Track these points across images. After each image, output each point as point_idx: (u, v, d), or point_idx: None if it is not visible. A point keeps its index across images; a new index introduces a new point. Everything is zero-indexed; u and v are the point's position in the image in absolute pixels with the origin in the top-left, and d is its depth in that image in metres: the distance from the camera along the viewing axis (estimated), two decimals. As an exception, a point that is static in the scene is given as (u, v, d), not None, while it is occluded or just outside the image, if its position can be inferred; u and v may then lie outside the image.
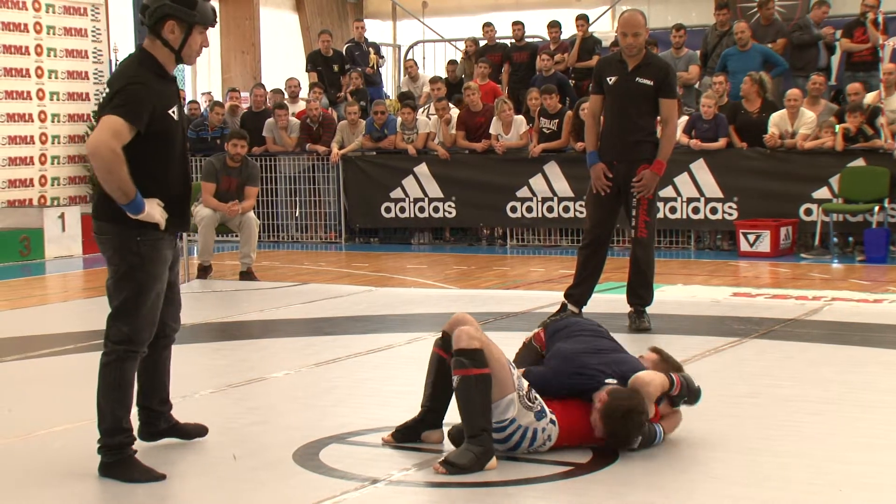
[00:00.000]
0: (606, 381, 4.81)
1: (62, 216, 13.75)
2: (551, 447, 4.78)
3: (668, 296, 9.43)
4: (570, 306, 7.97)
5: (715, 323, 8.10)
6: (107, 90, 4.89)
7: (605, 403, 4.70)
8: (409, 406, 5.41)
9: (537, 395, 4.75)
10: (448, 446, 4.86)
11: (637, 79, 7.66)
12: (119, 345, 4.62)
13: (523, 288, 10.26)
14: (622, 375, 4.86)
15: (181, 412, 5.77)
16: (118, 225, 4.59)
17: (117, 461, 4.60)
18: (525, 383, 4.75)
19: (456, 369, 4.62)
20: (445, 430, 4.96)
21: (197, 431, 5.14)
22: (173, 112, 4.69)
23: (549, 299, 9.03)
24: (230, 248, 13.53)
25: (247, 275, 10.93)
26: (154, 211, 4.58)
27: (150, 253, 4.63)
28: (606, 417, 4.68)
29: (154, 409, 5.01)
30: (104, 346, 4.66)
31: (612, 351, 5.04)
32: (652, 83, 7.65)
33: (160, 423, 5.04)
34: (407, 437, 4.98)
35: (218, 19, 18.27)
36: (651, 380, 4.83)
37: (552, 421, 4.75)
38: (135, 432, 4.78)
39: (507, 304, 9.10)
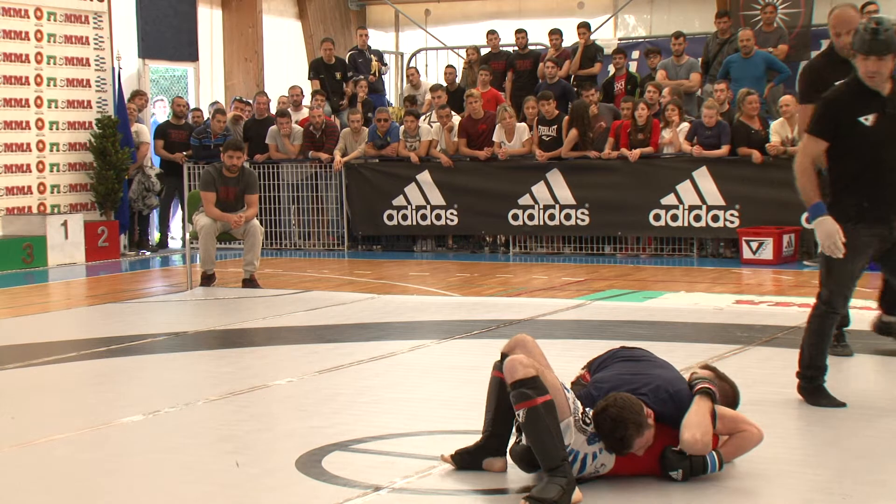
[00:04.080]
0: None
1: (65, 224, 13.74)
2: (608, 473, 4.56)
3: (671, 303, 9.42)
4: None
5: (718, 330, 8.08)
6: None
7: (596, 407, 4.52)
8: (412, 413, 5.41)
9: (590, 419, 4.52)
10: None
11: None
12: (823, 304, 5.80)
13: (526, 295, 10.24)
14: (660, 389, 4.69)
15: (184, 417, 5.76)
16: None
17: (809, 388, 5.82)
18: (580, 406, 4.54)
19: (519, 403, 4.34)
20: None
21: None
22: (866, 119, 5.56)
23: (552, 307, 9.02)
24: (233, 255, 13.54)
25: (250, 282, 10.92)
26: (828, 228, 5.52)
27: (850, 241, 5.55)
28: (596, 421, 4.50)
29: None
30: (816, 301, 5.84)
31: (645, 374, 4.81)
32: None
33: None
34: (468, 463, 4.72)
35: (222, 26, 18.50)
36: (697, 424, 4.59)
37: (603, 449, 4.51)
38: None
39: (510, 311, 9.08)
